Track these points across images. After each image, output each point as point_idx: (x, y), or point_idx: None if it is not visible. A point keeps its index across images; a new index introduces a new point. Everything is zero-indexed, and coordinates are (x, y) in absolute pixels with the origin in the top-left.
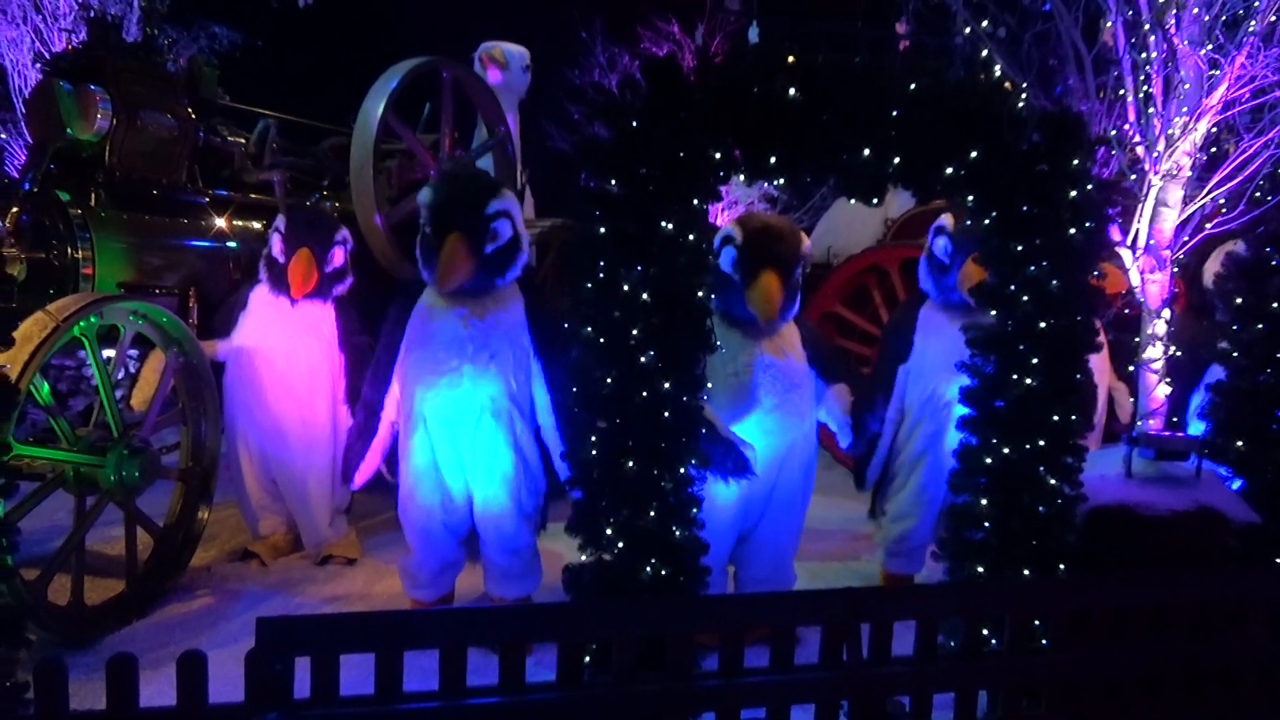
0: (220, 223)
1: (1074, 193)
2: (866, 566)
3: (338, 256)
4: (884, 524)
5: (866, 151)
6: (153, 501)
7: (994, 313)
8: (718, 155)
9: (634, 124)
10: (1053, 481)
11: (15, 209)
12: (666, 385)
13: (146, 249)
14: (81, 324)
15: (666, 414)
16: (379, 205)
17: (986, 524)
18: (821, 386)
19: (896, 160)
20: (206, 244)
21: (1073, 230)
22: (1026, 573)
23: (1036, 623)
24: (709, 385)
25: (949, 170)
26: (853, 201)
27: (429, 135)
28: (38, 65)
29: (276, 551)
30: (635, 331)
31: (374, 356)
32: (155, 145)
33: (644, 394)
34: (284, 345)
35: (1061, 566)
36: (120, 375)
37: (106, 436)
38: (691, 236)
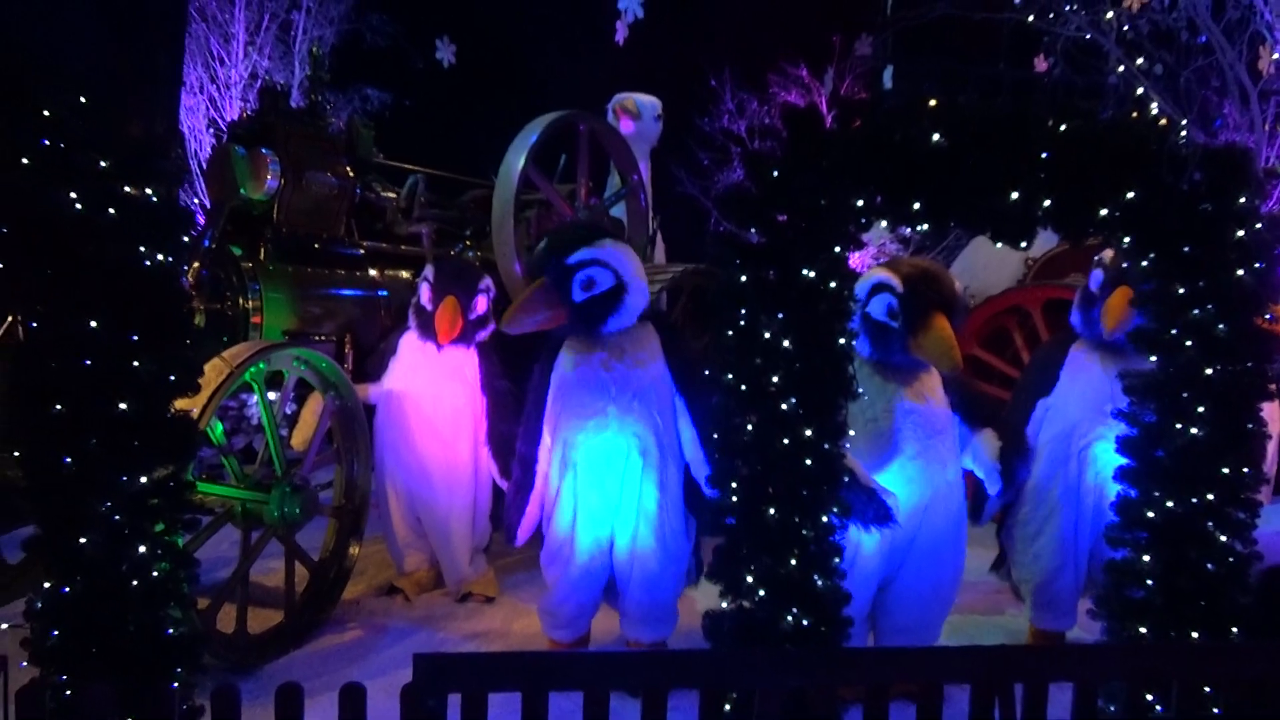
0: (373, 273)
1: (1241, 232)
2: (1012, 621)
3: (481, 304)
4: (1025, 576)
5: (1015, 195)
6: (305, 537)
7: (1154, 358)
8: (860, 203)
9: (775, 174)
10: (1223, 538)
11: (197, 264)
12: (808, 432)
13: (308, 299)
14: (252, 370)
15: (808, 461)
16: (518, 254)
17: (1150, 582)
18: (966, 433)
19: (1047, 203)
20: (361, 293)
21: (1240, 271)
22: (1195, 635)
23: (1207, 690)
24: (850, 433)
25: (1104, 212)
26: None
27: (565, 185)
28: (211, 130)
29: (420, 587)
30: (776, 378)
31: (524, 411)
32: (318, 202)
33: (785, 441)
34: (430, 389)
35: (1234, 630)
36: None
37: (271, 474)
38: (833, 283)
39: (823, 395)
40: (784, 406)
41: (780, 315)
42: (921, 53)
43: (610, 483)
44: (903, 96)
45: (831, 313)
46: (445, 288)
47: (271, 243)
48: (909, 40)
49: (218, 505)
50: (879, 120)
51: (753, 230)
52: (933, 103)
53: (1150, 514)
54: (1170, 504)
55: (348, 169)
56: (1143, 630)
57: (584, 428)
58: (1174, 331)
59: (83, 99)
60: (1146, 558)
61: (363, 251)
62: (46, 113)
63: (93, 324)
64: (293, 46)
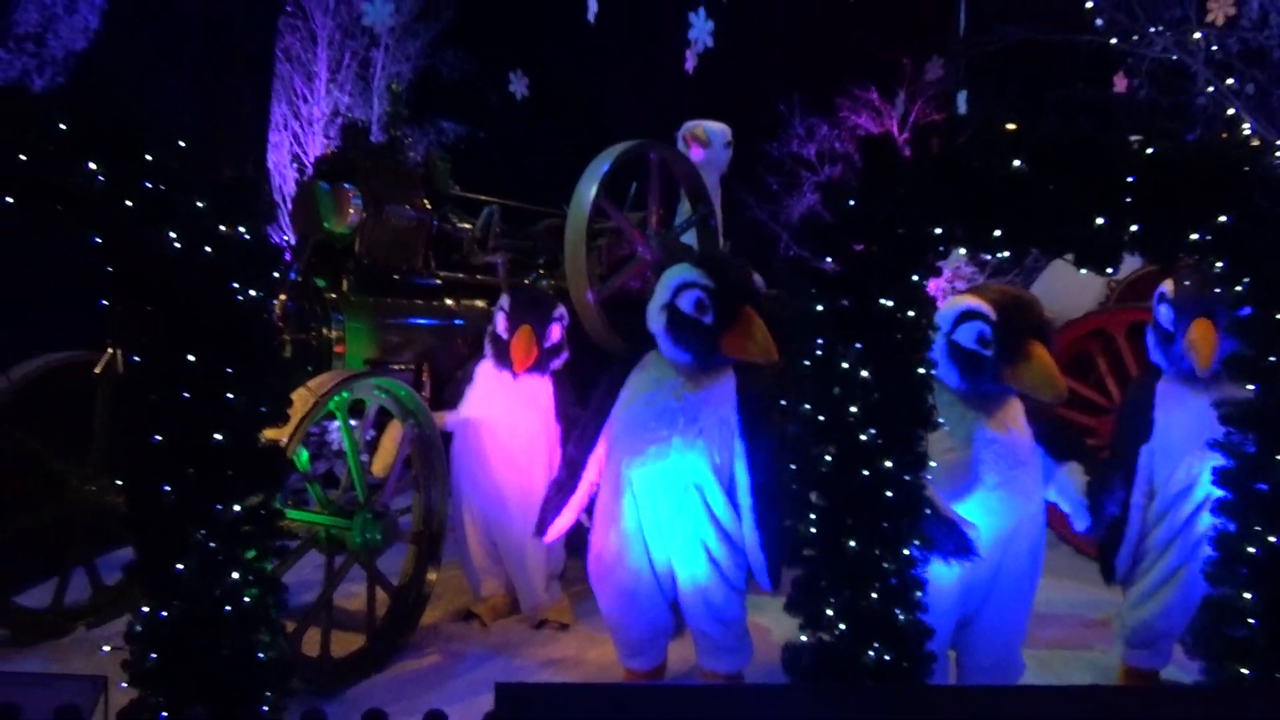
0: (450, 302)
1: None
2: (1101, 658)
3: (555, 333)
4: (1123, 611)
5: (1099, 221)
6: (384, 562)
7: (1251, 386)
8: (938, 231)
9: (851, 203)
10: None
11: (284, 296)
12: (887, 464)
13: (388, 328)
14: (335, 399)
15: (888, 493)
16: (591, 283)
17: (1251, 620)
18: (1050, 464)
19: (1134, 228)
20: (438, 322)
21: None
22: None
23: None
24: (931, 464)
25: (1194, 236)
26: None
27: (636, 213)
28: (295, 165)
29: (496, 613)
30: (854, 409)
31: (584, 418)
32: (397, 235)
33: (864, 472)
34: (506, 417)
35: None
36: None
37: (353, 501)
38: (911, 312)
39: (902, 426)
40: (863, 437)
41: (858, 345)
42: (996, 75)
43: (665, 510)
44: (978, 121)
45: (910, 342)
46: (520, 317)
47: (353, 274)
48: (982, 63)
49: (302, 531)
50: (955, 147)
51: (829, 259)
52: (1011, 127)
53: (1251, 549)
54: (1272, 538)
55: (426, 202)
56: (1243, 671)
57: (644, 452)
58: (1273, 359)
59: (182, 143)
60: (1248, 595)
61: (440, 282)
62: (149, 157)
63: (190, 358)
64: (371, 83)
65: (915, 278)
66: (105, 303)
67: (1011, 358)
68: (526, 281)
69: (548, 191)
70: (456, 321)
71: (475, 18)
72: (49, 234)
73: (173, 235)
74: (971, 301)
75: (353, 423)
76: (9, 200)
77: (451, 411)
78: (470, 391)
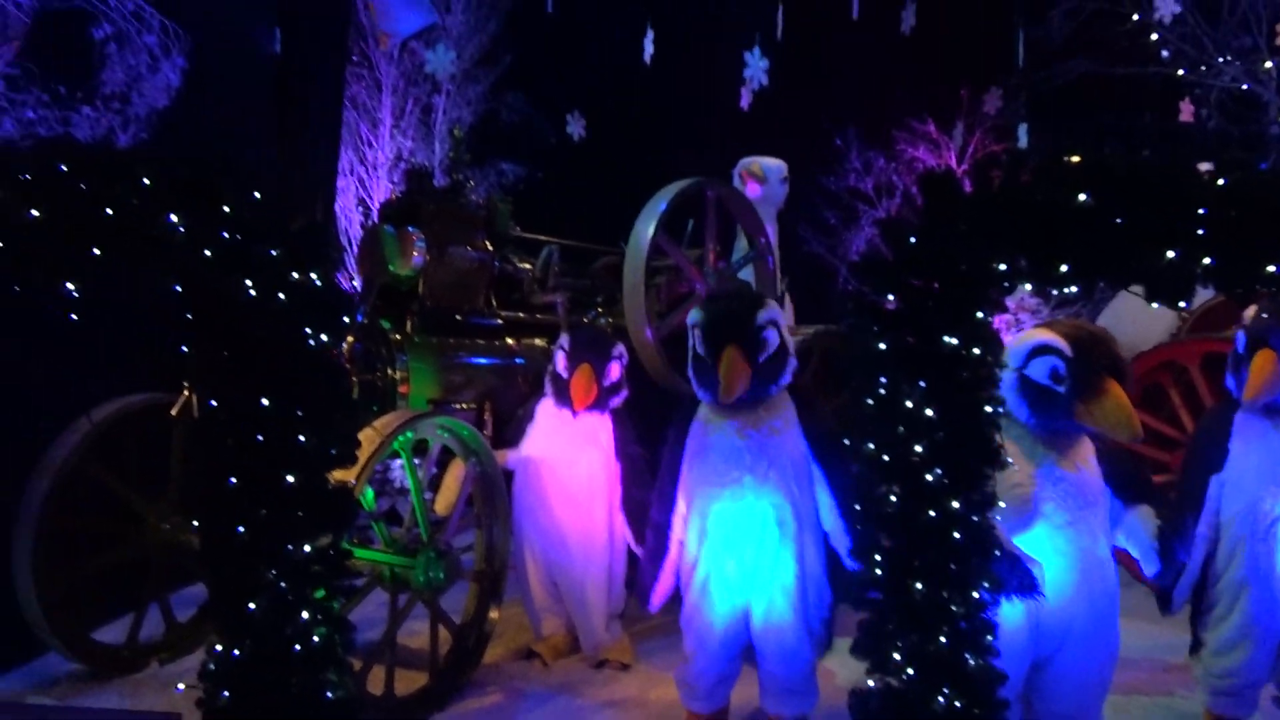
0: (511, 342)
1: None
2: (1182, 703)
3: (614, 371)
4: (1205, 657)
5: (1171, 254)
6: (446, 600)
7: None
8: (1002, 266)
9: (912, 239)
10: None
11: (351, 339)
12: (955, 504)
13: (451, 368)
14: (400, 438)
15: (956, 534)
16: (650, 320)
17: None
18: (1119, 507)
19: (1206, 260)
20: (499, 362)
21: None
22: None
23: None
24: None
25: (1271, 268)
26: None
27: (693, 250)
28: (360, 209)
29: (556, 652)
30: (919, 448)
31: (657, 477)
32: (459, 276)
33: (931, 513)
34: (566, 455)
35: None
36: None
37: (417, 540)
38: (977, 350)
39: (969, 465)
40: (929, 477)
41: (922, 383)
42: (1057, 106)
43: (747, 552)
44: (1040, 153)
45: (976, 380)
46: (580, 355)
47: (417, 316)
48: (1042, 93)
49: (367, 569)
50: (1018, 181)
51: (890, 296)
52: (1075, 159)
53: None
54: None
55: (487, 243)
56: None
57: (719, 496)
58: None
59: (257, 194)
60: None
61: (501, 321)
62: (227, 208)
63: (264, 401)
64: (433, 127)
65: (980, 314)
66: (184, 348)
67: (1085, 395)
68: (586, 320)
69: (606, 230)
70: (517, 360)
71: (533, 62)
72: (132, 282)
73: (248, 283)
74: (1045, 336)
75: (416, 461)
76: (96, 252)
77: (513, 450)
78: (531, 430)
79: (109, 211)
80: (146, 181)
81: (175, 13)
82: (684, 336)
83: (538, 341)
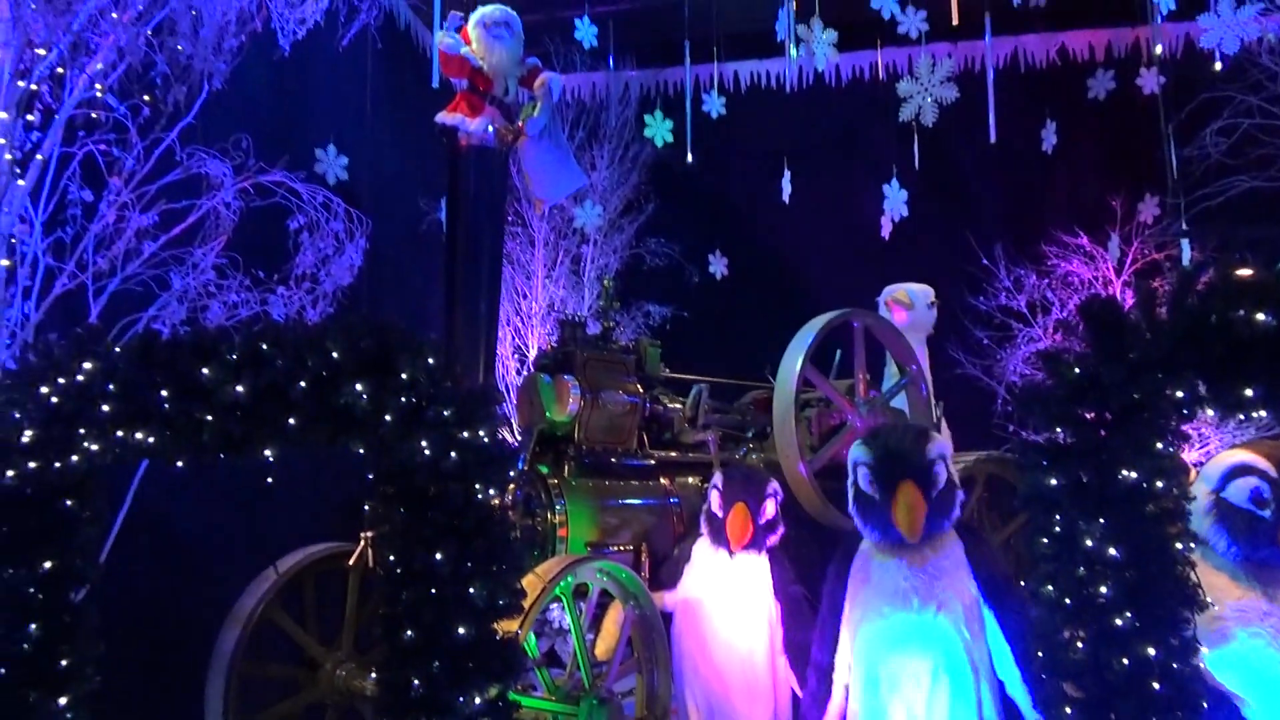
0: (664, 482)
1: None
2: None
3: (770, 509)
4: None
5: None
6: None
7: None
8: (1180, 394)
9: (1078, 370)
10: None
11: (512, 485)
12: (1151, 651)
13: (607, 510)
14: (561, 584)
15: (1155, 685)
16: (802, 454)
17: None
18: None
19: None
20: (654, 502)
21: None
22: None
23: None
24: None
25: None
26: None
27: (842, 381)
28: (515, 357)
29: None
30: (1105, 590)
31: (818, 617)
32: (613, 419)
33: (1124, 661)
34: (724, 597)
35: None
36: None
37: (579, 685)
38: (1160, 483)
39: (1164, 609)
40: (1118, 622)
41: (1102, 521)
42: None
43: (916, 700)
44: (1212, 272)
45: (1163, 515)
46: (734, 494)
47: (573, 460)
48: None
49: (531, 718)
50: (1189, 303)
51: (1059, 430)
52: (1247, 273)
53: None
54: None
55: (638, 385)
56: None
57: (885, 640)
58: None
59: (430, 360)
60: None
61: (654, 462)
62: (404, 376)
63: (438, 556)
64: (582, 275)
65: (1160, 445)
66: (365, 506)
67: None
68: (737, 455)
69: (753, 364)
70: (671, 500)
71: (674, 207)
72: (321, 446)
73: (423, 444)
74: (1245, 457)
75: (577, 605)
76: (291, 422)
77: (670, 592)
78: (688, 571)
79: (302, 384)
80: (335, 355)
81: (358, 200)
82: (839, 470)
83: (691, 480)
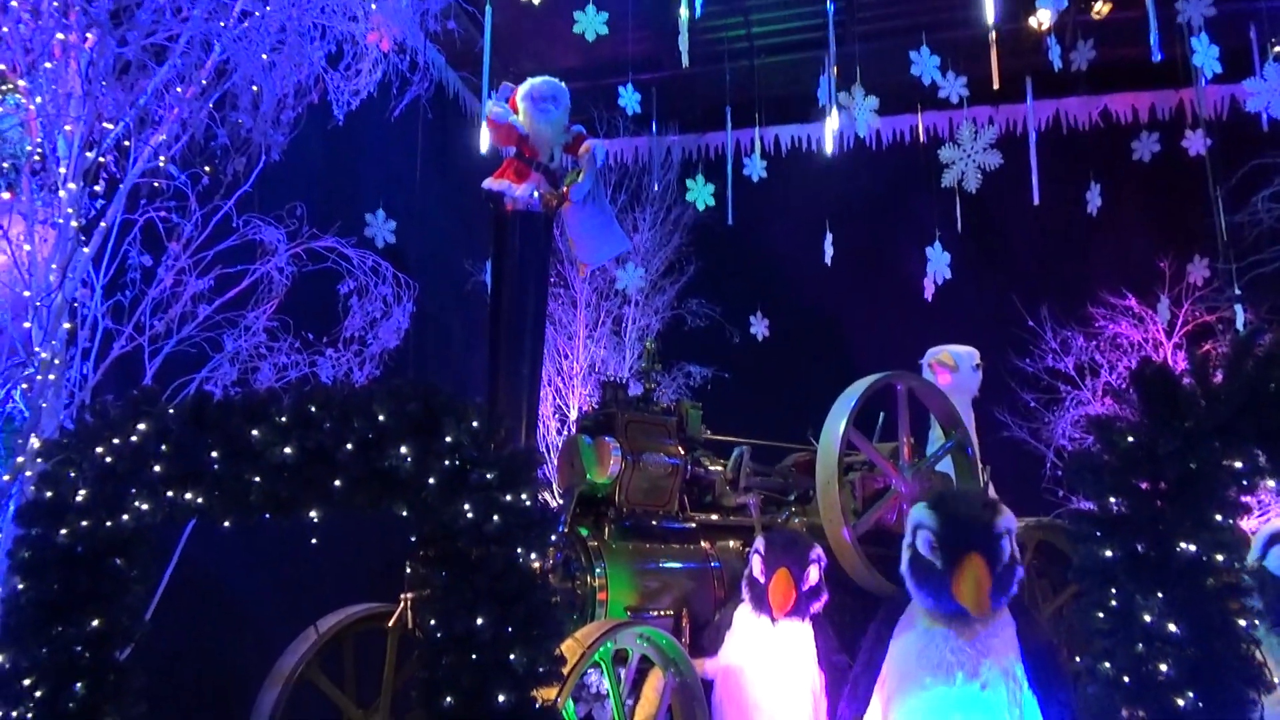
0: (705, 545)
1: None
2: None
3: (813, 575)
4: None
5: None
6: None
7: None
8: (1238, 464)
9: (1131, 439)
10: None
11: (552, 548)
12: None
13: (647, 574)
14: (601, 649)
15: None
16: (846, 519)
17: None
18: None
19: None
20: (694, 566)
21: None
22: None
23: None
24: None
25: None
26: None
27: (885, 444)
28: (556, 417)
29: None
30: (1165, 667)
31: (852, 673)
32: (654, 482)
33: None
34: (766, 664)
35: None
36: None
37: None
38: (1220, 557)
39: (1228, 688)
40: (1180, 701)
41: (1161, 595)
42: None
43: None
44: (1262, 334)
45: (1224, 590)
46: (777, 560)
47: (613, 522)
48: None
49: None
50: (1246, 370)
51: (1112, 500)
52: None
53: None
54: None
55: (679, 447)
56: None
57: (924, 713)
58: None
59: (475, 423)
60: None
61: (694, 525)
62: (449, 439)
63: (479, 621)
64: (623, 336)
65: (1219, 517)
66: (407, 568)
67: None
68: (780, 519)
69: (795, 427)
70: (713, 565)
71: (716, 268)
72: (363, 508)
73: (466, 507)
74: None
75: (617, 671)
76: (337, 484)
77: (711, 658)
78: (729, 638)
79: (349, 447)
80: (381, 418)
81: (405, 263)
82: (883, 536)
83: (732, 544)
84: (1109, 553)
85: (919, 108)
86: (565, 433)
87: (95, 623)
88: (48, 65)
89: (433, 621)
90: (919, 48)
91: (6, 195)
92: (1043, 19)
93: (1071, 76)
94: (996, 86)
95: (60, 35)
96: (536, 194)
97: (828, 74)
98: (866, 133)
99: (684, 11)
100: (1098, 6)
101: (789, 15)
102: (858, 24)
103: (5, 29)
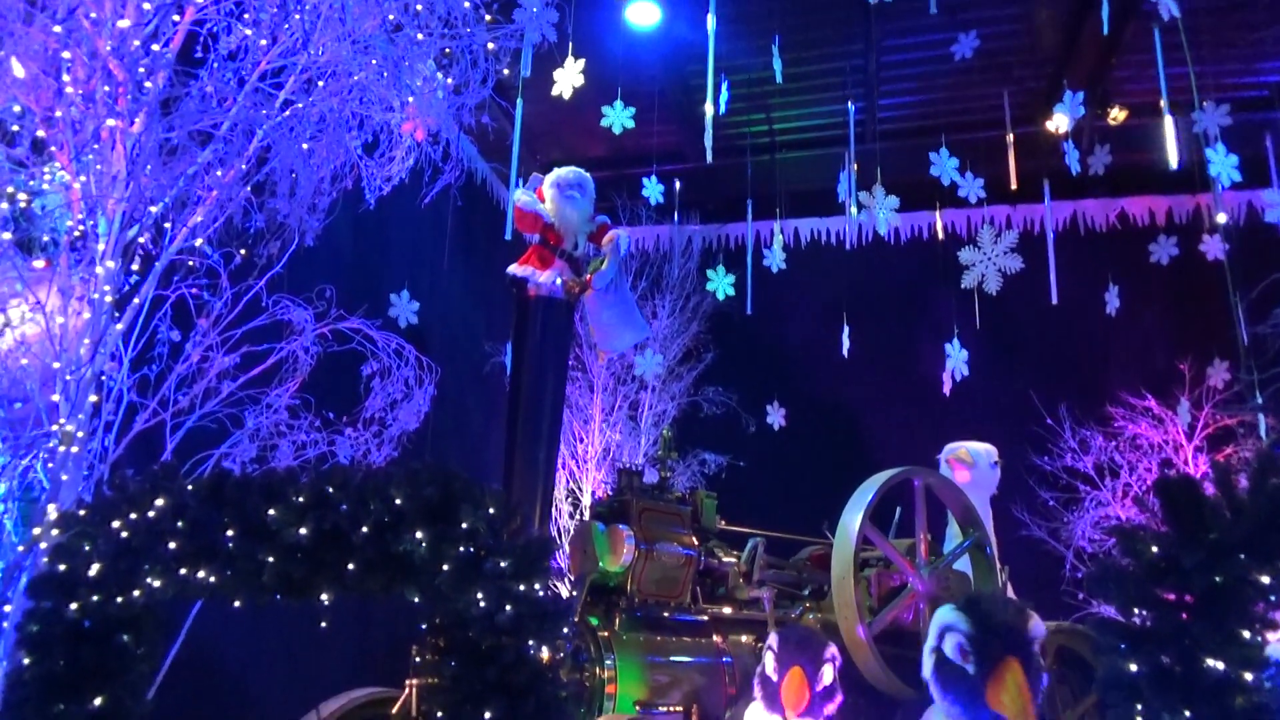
0: (717, 639)
1: None
2: None
3: (827, 674)
4: None
5: None
6: None
7: None
8: (1265, 579)
9: (1155, 549)
10: None
11: (561, 639)
12: None
13: (657, 667)
14: None
15: None
16: (861, 616)
17: None
18: None
19: None
20: (706, 660)
21: None
22: None
23: None
24: None
25: None
26: None
27: (902, 540)
28: (569, 501)
29: None
30: None
31: None
32: (666, 572)
33: None
34: None
35: None
36: None
37: None
38: (1249, 675)
39: None
40: None
41: (1188, 714)
42: None
43: None
44: None
45: (1255, 711)
46: (790, 658)
47: (625, 612)
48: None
49: None
50: (1272, 484)
51: (1137, 611)
52: None
53: None
54: None
55: (693, 538)
56: None
57: None
58: None
59: (491, 510)
60: None
61: (707, 618)
62: (465, 525)
63: (487, 715)
64: (639, 420)
65: (1247, 633)
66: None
67: None
68: (793, 615)
69: (809, 519)
70: (724, 660)
71: (733, 358)
72: (376, 592)
73: (479, 595)
74: None
75: None
76: (350, 567)
77: None
78: None
79: (364, 530)
80: (398, 502)
81: (426, 343)
82: (898, 635)
83: (744, 639)
84: (1134, 667)
85: (938, 205)
86: (579, 518)
87: (98, 701)
88: (94, 147)
89: (440, 713)
90: (938, 149)
91: (41, 264)
92: (1060, 124)
93: (1089, 179)
94: (1015, 187)
95: (111, 121)
96: (559, 280)
97: (848, 171)
98: (886, 230)
99: (709, 108)
100: (1114, 113)
101: (811, 114)
102: (878, 124)
103: (60, 113)
